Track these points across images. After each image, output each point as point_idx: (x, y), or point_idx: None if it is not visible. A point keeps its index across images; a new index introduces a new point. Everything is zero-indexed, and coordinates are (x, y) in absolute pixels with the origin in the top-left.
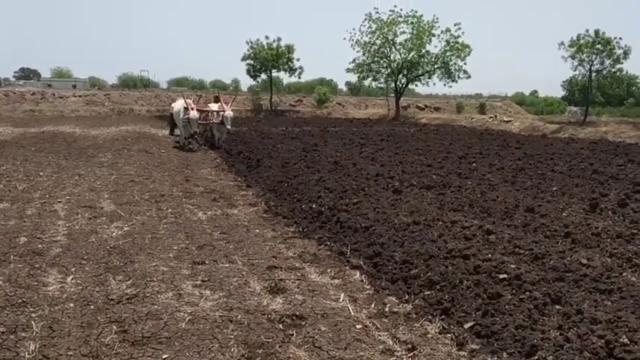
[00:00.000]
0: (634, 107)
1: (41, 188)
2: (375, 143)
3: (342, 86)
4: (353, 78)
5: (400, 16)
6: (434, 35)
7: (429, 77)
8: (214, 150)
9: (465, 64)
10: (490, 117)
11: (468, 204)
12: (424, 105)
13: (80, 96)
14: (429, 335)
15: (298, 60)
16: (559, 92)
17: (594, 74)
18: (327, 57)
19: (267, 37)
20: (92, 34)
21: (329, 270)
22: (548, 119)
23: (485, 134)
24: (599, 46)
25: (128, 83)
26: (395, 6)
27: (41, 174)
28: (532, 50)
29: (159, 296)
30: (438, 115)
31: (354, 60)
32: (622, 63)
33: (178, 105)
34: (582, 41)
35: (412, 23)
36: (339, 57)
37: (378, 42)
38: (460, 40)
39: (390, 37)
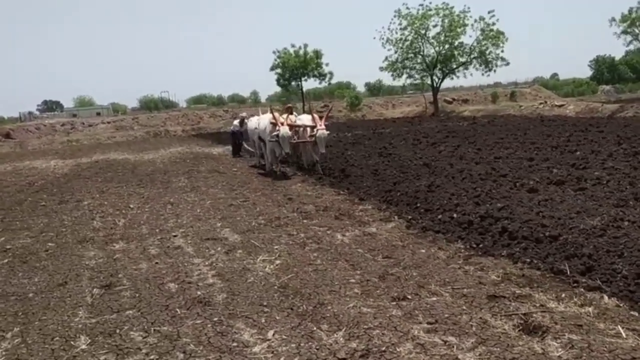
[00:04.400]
0: None
1: (142, 222)
2: (443, 141)
3: (359, 88)
4: (372, 79)
5: (431, 9)
6: (466, 25)
7: (466, 69)
8: (302, 171)
9: (502, 51)
10: (541, 104)
11: (632, 197)
12: (452, 99)
13: (108, 122)
14: None
15: (327, 65)
16: (580, 73)
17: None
18: (341, 61)
19: (293, 45)
20: (108, 61)
21: (563, 296)
22: (588, 100)
23: (547, 120)
24: None
25: (149, 105)
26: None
27: (131, 206)
28: (546, 32)
29: (399, 349)
30: (478, 107)
31: (386, 59)
32: None
33: (263, 121)
34: (634, 15)
35: (443, 15)
36: (353, 59)
37: (410, 37)
38: (495, 27)
39: (422, 32)
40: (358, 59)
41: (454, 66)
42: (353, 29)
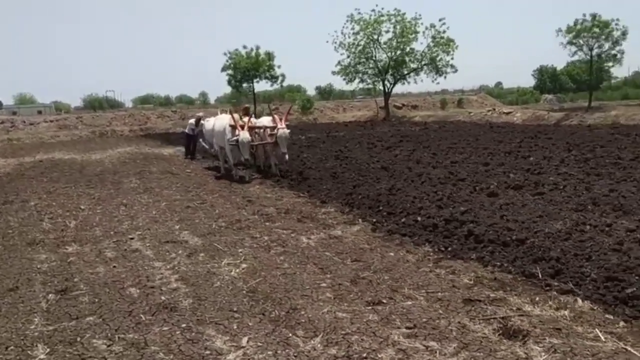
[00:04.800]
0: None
1: (95, 224)
2: (397, 145)
3: (310, 91)
4: (323, 82)
5: (382, 15)
6: (417, 32)
7: (417, 75)
8: (260, 174)
9: (452, 58)
10: (489, 111)
11: (591, 202)
12: (402, 104)
13: (51, 121)
14: None
15: (279, 67)
16: (523, 82)
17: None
18: (291, 64)
19: (244, 47)
20: (51, 58)
21: (537, 299)
22: (532, 108)
23: (496, 127)
24: (596, 29)
25: (94, 104)
26: (377, 5)
27: (82, 207)
28: (491, 42)
29: (380, 355)
30: (428, 112)
31: (339, 63)
32: (621, 45)
33: (220, 123)
34: (579, 26)
35: (395, 21)
36: (303, 63)
37: (362, 42)
38: (445, 35)
39: (375, 37)
40: (308, 62)
41: (405, 72)
42: (304, 33)
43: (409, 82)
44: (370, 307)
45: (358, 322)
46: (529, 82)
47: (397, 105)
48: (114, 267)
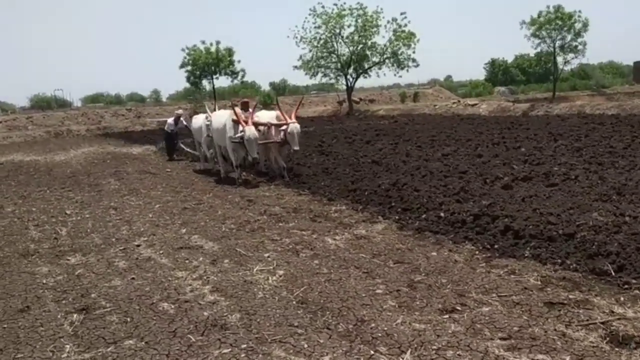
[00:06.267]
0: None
1: (89, 230)
2: (376, 139)
3: (264, 87)
4: (276, 78)
5: (344, 9)
6: (379, 25)
7: (379, 69)
8: (262, 176)
9: (414, 52)
10: (454, 103)
11: (614, 193)
12: (359, 99)
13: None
14: None
15: (239, 62)
16: (473, 75)
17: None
18: (243, 60)
19: (203, 42)
20: None
21: (622, 300)
22: (487, 100)
23: (466, 119)
24: (559, 22)
25: (41, 104)
26: None
27: (67, 212)
28: (440, 35)
29: None
30: (390, 106)
31: (300, 57)
32: (582, 36)
33: (219, 119)
34: (541, 18)
35: (357, 15)
36: (255, 59)
37: (324, 36)
38: (406, 29)
39: (337, 31)
40: (260, 59)
41: (367, 66)
42: (254, 29)
43: (370, 76)
44: (446, 316)
45: (443, 334)
46: (477, 75)
47: (355, 99)
48: (133, 279)
